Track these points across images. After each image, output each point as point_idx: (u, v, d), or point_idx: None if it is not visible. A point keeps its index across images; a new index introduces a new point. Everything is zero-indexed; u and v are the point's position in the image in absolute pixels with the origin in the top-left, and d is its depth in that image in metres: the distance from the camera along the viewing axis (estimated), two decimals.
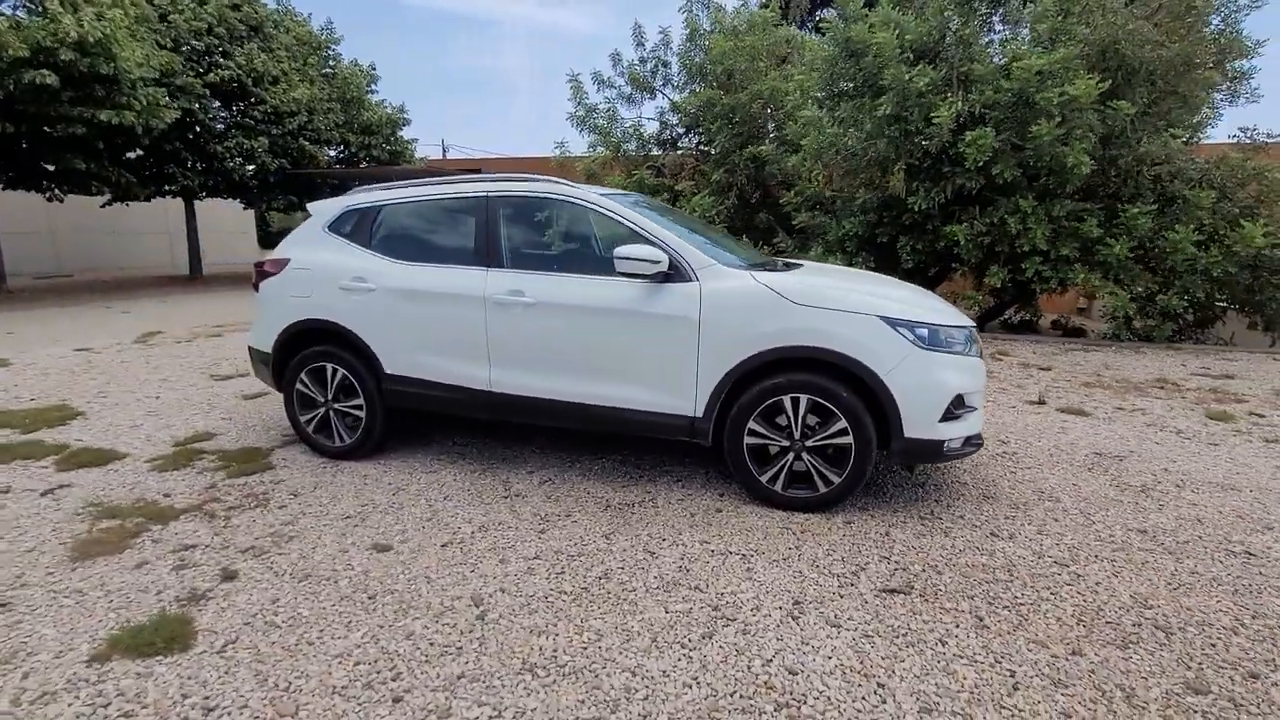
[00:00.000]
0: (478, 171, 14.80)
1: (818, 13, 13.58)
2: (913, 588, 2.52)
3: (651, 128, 13.29)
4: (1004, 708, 1.89)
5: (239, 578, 2.61)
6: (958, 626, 2.27)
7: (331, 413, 3.84)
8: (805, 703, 1.90)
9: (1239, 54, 8.25)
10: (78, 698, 1.93)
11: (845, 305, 3.00)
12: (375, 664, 2.09)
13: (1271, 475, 3.71)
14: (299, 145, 14.52)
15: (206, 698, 1.94)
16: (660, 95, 13.47)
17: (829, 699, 1.92)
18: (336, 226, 3.86)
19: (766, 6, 11.53)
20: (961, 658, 2.11)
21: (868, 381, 2.93)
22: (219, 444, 4.19)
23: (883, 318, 2.96)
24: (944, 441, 2.98)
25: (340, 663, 2.10)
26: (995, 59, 8.22)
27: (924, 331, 2.97)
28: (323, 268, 3.74)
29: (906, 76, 7.87)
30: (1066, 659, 2.10)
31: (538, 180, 3.56)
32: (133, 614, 2.36)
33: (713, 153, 11.63)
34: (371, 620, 2.32)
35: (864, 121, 8.56)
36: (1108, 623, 2.30)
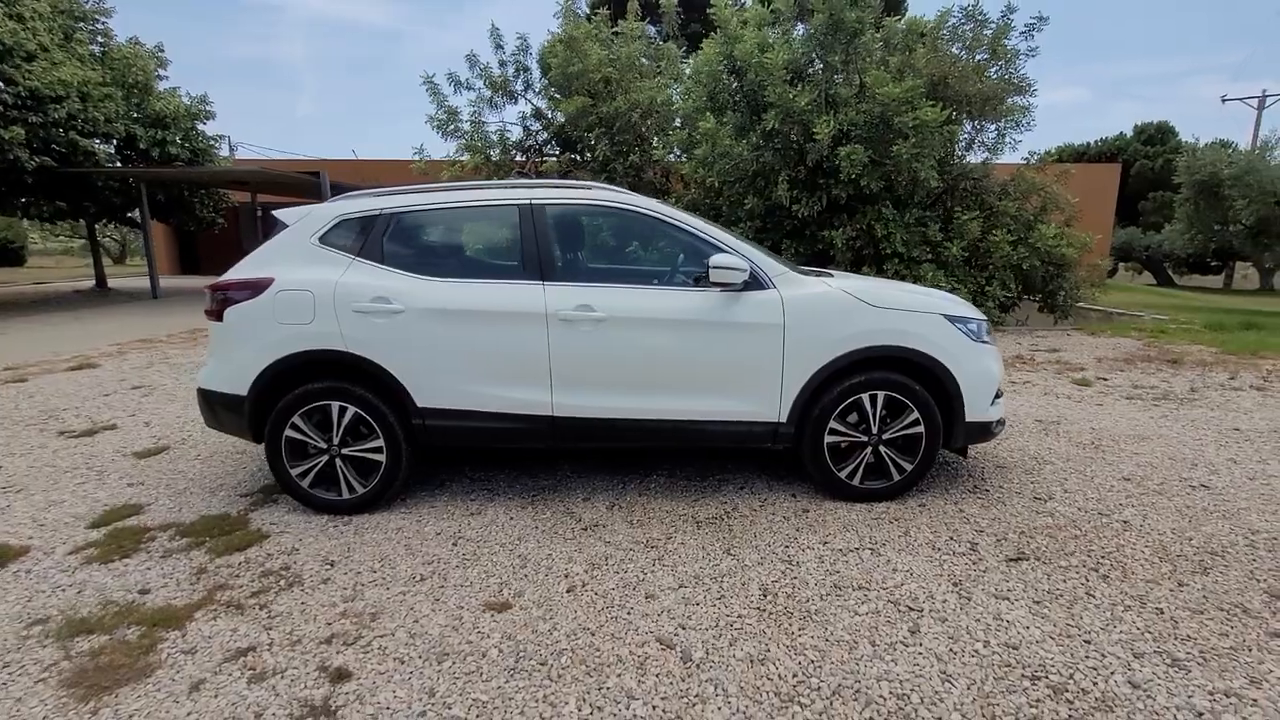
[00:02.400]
0: (316, 175, 13.13)
1: (690, 26, 14.19)
2: (1025, 555, 2.83)
3: (516, 133, 12.94)
4: (1184, 638, 2.22)
5: (354, 677, 2.11)
6: (1088, 581, 2.60)
7: (339, 460, 3.22)
8: (1050, 672, 2.06)
9: (1020, 92, 10.29)
10: None
11: (914, 306, 3.26)
12: (635, 717, 1.84)
13: (1158, 424, 4.75)
14: (69, 139, 11.69)
15: None
16: (522, 100, 13.15)
17: (1064, 664, 2.10)
18: (333, 239, 3.24)
19: (634, 16, 11.79)
20: (1118, 605, 2.43)
21: (938, 374, 3.21)
22: (160, 517, 3.29)
23: (944, 315, 3.26)
24: (993, 422, 3.37)
25: None
26: (855, 84, 9.33)
27: (974, 326, 3.33)
28: (327, 289, 3.11)
29: (790, 95, 8.61)
30: (1181, 590, 2.53)
31: (593, 188, 3.33)
32: None
33: (590, 161, 11.63)
34: (572, 690, 2.03)
35: (751, 134, 9.21)
36: (1177, 555, 2.80)
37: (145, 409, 5.30)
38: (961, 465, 3.90)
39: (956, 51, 9.58)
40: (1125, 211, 27.82)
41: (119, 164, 13.50)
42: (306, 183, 13.57)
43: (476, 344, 3.14)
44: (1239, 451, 4.13)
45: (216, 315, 3.22)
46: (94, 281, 16.33)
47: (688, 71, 10.81)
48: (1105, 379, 6.29)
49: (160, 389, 5.97)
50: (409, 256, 3.24)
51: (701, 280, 3.15)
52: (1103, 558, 2.78)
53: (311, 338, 3.11)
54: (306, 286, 3.13)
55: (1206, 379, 6.29)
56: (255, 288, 3.16)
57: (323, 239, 3.24)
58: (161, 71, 14.41)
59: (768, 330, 3.14)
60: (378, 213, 3.26)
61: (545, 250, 3.20)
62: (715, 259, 3.04)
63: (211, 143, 15.05)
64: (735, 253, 3.17)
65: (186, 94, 14.47)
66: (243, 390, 3.18)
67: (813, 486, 3.52)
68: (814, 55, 9.38)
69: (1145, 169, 28.93)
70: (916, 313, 3.23)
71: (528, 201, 3.25)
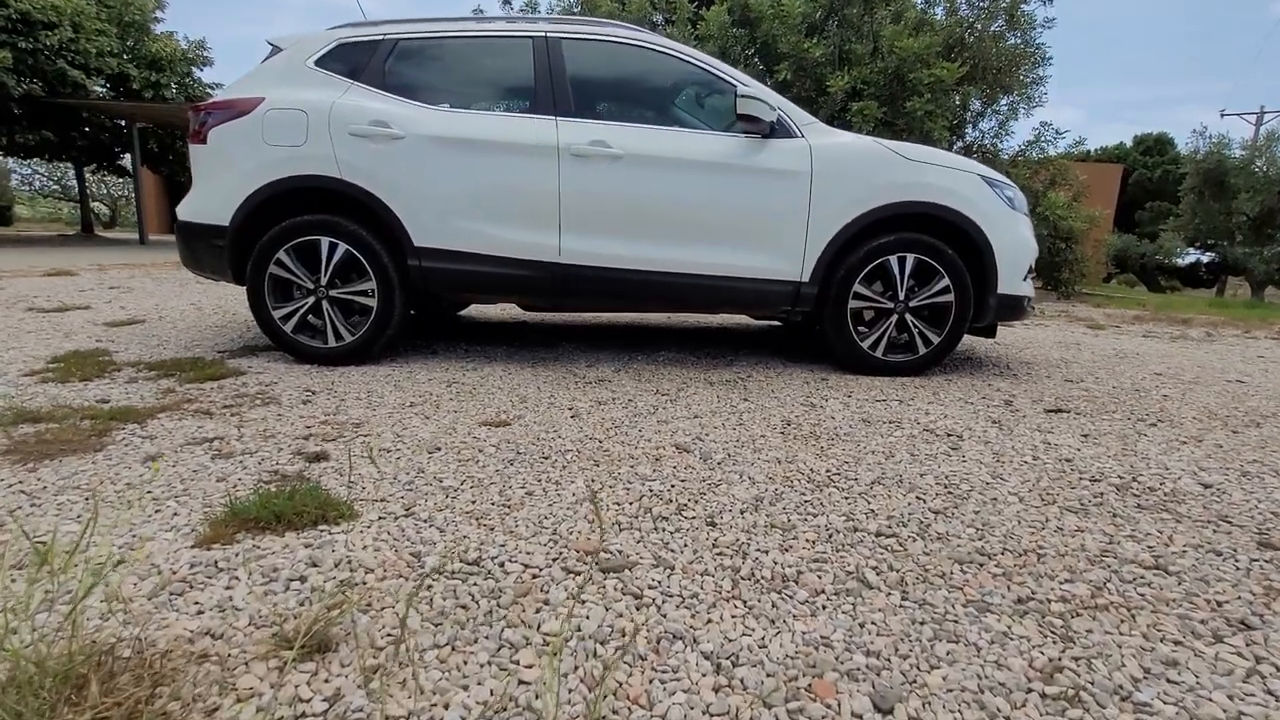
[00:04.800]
0: None
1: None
2: (1064, 409, 2.63)
3: None
4: (1251, 461, 2.03)
5: (332, 458, 1.87)
6: (1135, 427, 2.40)
7: (326, 303, 2.98)
8: (1110, 477, 1.86)
9: (1036, 63, 10.17)
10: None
11: (953, 163, 3.06)
12: (640, 500, 1.61)
13: (1179, 349, 4.58)
14: (58, 68, 11.34)
15: (476, 555, 1.33)
16: None
17: (1125, 472, 1.90)
18: (330, 63, 3.00)
19: None
20: (1175, 440, 2.23)
21: (973, 237, 3.01)
22: (128, 357, 3.03)
23: (982, 176, 3.07)
24: (1025, 299, 3.18)
25: (580, 508, 1.59)
26: (870, 42, 9.17)
27: (1011, 193, 3.14)
28: (323, 109, 2.87)
29: (805, 46, 8.44)
30: (1236, 436, 2.33)
31: (614, 25, 3.11)
32: (210, 500, 1.57)
33: None
34: (579, 476, 1.80)
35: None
36: (1226, 417, 2.61)
37: (122, 300, 5.02)
38: (986, 355, 3.70)
39: (971, 16, 9.46)
40: (1122, 220, 27.93)
41: (115, 99, 13.14)
42: None
43: (481, 178, 2.90)
44: (1269, 367, 3.97)
45: (199, 138, 2.97)
46: (80, 227, 15.92)
47: (699, 29, 10.61)
48: (1117, 327, 6.14)
49: (140, 289, 5.69)
50: (413, 84, 3.01)
51: (728, 122, 2.94)
52: (1148, 414, 2.59)
53: (303, 161, 2.87)
54: (300, 106, 2.88)
55: (1220, 332, 6.15)
56: (243, 108, 2.91)
57: (319, 62, 3.00)
58: (159, 14, 14.07)
59: (794, 179, 2.93)
60: (381, 37, 3.03)
61: (559, 83, 2.97)
62: (743, 89, 2.83)
63: (208, 90, 14.69)
64: (764, 93, 2.96)
65: (184, 38, 14.13)
66: (224, 220, 2.93)
67: (831, 365, 3.31)
68: (830, 8, 9.21)
69: (1144, 178, 29.07)
70: (953, 169, 3.03)
71: (543, 34, 3.03)
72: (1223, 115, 29.31)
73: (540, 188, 2.90)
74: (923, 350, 3.12)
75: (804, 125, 3.01)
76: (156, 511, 1.50)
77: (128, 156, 14.40)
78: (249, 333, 3.78)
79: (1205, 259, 24.03)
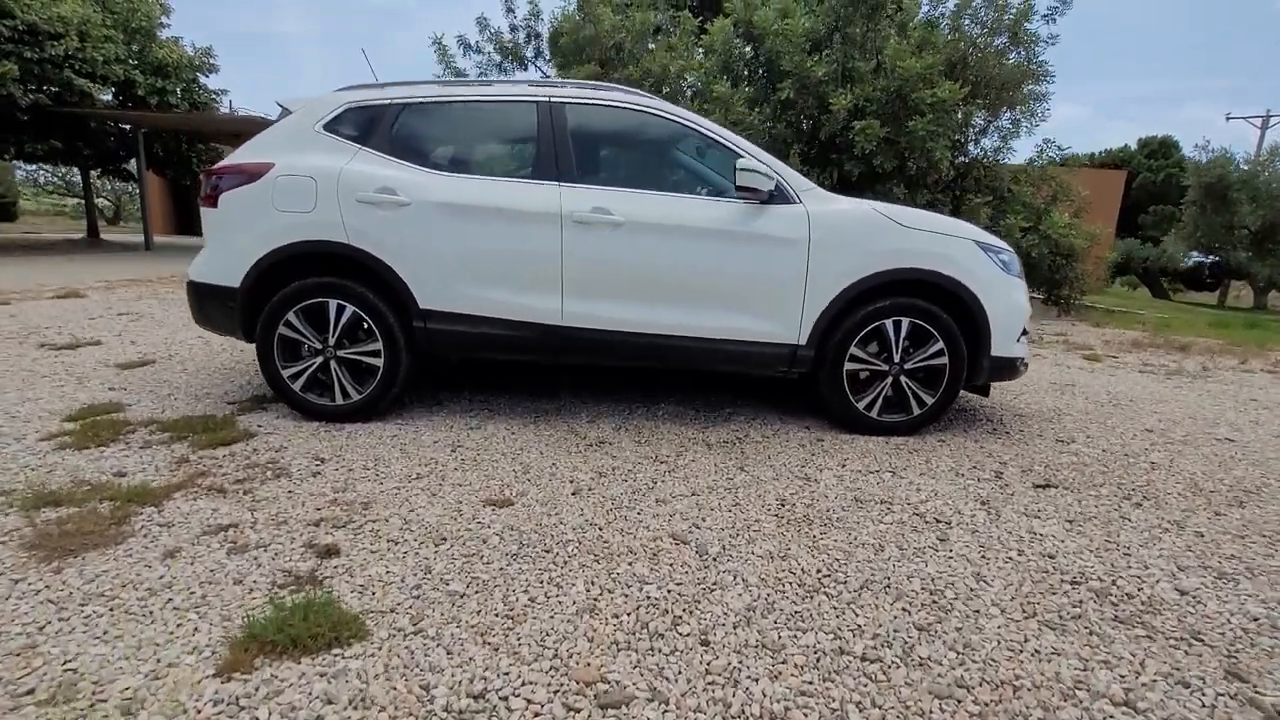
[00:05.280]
0: None
1: (708, 17, 13.97)
2: (1053, 484, 2.69)
3: None
4: (1229, 557, 2.10)
5: (343, 554, 1.95)
6: (1120, 508, 2.47)
7: (334, 363, 3.05)
8: (1091, 579, 1.93)
9: (1038, 79, 10.17)
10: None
11: (947, 229, 3.12)
12: (637, 610, 1.69)
13: (1174, 391, 4.63)
14: (64, 78, 11.39)
15: (482, 687, 1.41)
16: (532, 67, 12.95)
17: (1104, 572, 1.97)
18: (338, 127, 3.06)
19: None
20: (1157, 527, 2.30)
21: (967, 302, 3.07)
22: (141, 415, 3.11)
23: (977, 242, 3.12)
24: (1018, 360, 3.24)
25: (580, 620, 1.66)
26: (872, 60, 9.18)
27: (1005, 257, 3.20)
28: (331, 176, 2.94)
29: (808, 64, 8.46)
30: (1219, 519, 2.40)
31: (616, 90, 3.16)
32: (229, 611, 1.64)
33: None
34: (580, 574, 1.88)
35: (764, 105, 9.05)
36: (1211, 492, 2.67)
37: (131, 331, 5.10)
38: (979, 410, 3.77)
39: (974, 32, 9.45)
40: (1126, 224, 27.86)
41: (121, 108, 13.18)
42: None
43: (486, 243, 2.97)
44: (1259, 415, 4.03)
45: (211, 201, 3.04)
46: (86, 231, 16.00)
47: (701, 41, 10.62)
48: (1115, 357, 6.19)
49: (148, 316, 5.77)
50: (418, 149, 3.07)
51: (726, 189, 3.00)
52: (1135, 490, 2.66)
53: (311, 227, 2.94)
54: (309, 172, 2.95)
55: (1216, 362, 6.20)
56: (253, 173, 2.98)
57: (327, 126, 3.06)
58: (165, 20, 14.09)
59: (792, 245, 2.99)
60: (388, 102, 3.09)
61: (562, 149, 3.03)
62: (742, 161, 2.89)
63: (213, 96, 14.74)
64: (762, 163, 3.02)
65: (191, 44, 14.16)
66: (235, 282, 3.01)
67: (826, 420, 3.38)
68: (834, 25, 9.22)
69: (1148, 182, 28.96)
70: (948, 236, 3.09)
71: (546, 99, 3.08)
72: (1228, 119, 29.20)
73: (543, 253, 2.97)
74: (917, 410, 3.19)
75: (802, 191, 3.07)
76: (178, 626, 1.58)
77: (133, 161, 14.46)
78: (257, 378, 3.86)
79: (1208, 261, 24.00)
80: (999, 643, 1.60)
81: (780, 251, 3.00)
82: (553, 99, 3.08)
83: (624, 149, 3.28)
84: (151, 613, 1.63)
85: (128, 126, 13.46)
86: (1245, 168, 15.05)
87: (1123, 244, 26.82)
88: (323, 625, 1.54)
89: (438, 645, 1.54)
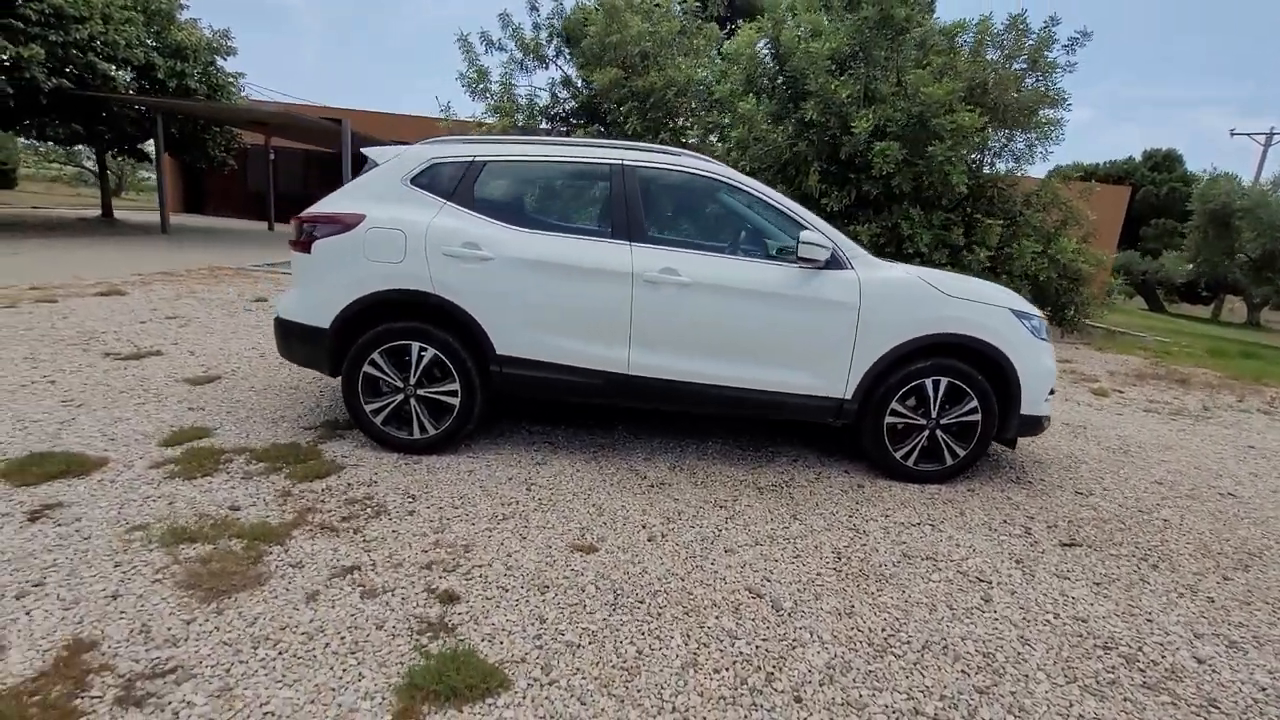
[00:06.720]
0: (338, 123, 12.94)
1: (734, 22, 14.04)
2: (1077, 541, 2.97)
3: (544, 99, 12.84)
4: (1237, 625, 2.38)
5: (462, 600, 2.20)
6: (1139, 569, 2.76)
7: (414, 400, 3.28)
8: (1120, 643, 2.21)
9: (1054, 104, 10.39)
10: None
11: (985, 298, 3.37)
12: (734, 666, 1.95)
13: (1178, 435, 4.94)
14: (88, 61, 11.40)
15: None
16: (554, 66, 13.04)
17: (1132, 638, 2.24)
18: (424, 182, 3.27)
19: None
20: (1173, 591, 2.59)
21: (1001, 365, 3.33)
22: (230, 440, 3.33)
23: (1012, 310, 3.38)
24: (1043, 417, 3.51)
25: (688, 674, 1.92)
26: (894, 82, 9.37)
27: (1036, 322, 3.45)
28: (419, 231, 3.15)
29: (832, 86, 8.64)
30: (1227, 583, 2.69)
31: (684, 155, 3.38)
32: (382, 657, 1.89)
33: (619, 134, 11.58)
34: (675, 627, 2.13)
35: (787, 122, 9.23)
36: (1219, 553, 2.96)
37: (186, 339, 5.29)
38: (1003, 457, 4.05)
39: (994, 58, 9.64)
40: (1127, 235, 28.24)
41: (135, 92, 13.19)
42: (328, 129, 13.36)
43: (561, 297, 3.20)
44: (1258, 467, 4.33)
45: (304, 247, 3.24)
46: (100, 210, 16.01)
47: (724, 50, 10.75)
48: (1120, 391, 6.49)
49: (195, 321, 5.95)
50: (499, 205, 3.28)
51: (785, 252, 3.24)
52: (1151, 550, 2.94)
53: (400, 277, 3.16)
54: (399, 226, 3.16)
55: (1216, 400, 6.51)
56: (347, 223, 3.19)
57: (414, 180, 3.27)
58: (183, 1, 14.04)
59: (843, 309, 3.24)
60: (471, 159, 3.29)
61: (633, 211, 3.26)
62: (805, 235, 3.12)
63: (230, 79, 14.73)
64: (820, 231, 3.25)
65: (209, 27, 14.13)
66: (324, 324, 3.22)
67: (863, 464, 3.64)
68: (859, 48, 9.39)
69: (1150, 194, 29.31)
70: (987, 305, 3.34)
71: (620, 162, 3.30)
72: (1232, 135, 29.53)
73: (614, 309, 3.20)
74: (950, 461, 3.46)
75: (854, 258, 3.31)
76: (344, 671, 1.82)
77: (149, 142, 14.47)
78: (324, 400, 4.08)
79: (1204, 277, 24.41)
80: (1049, 706, 1.88)
81: (832, 314, 3.25)
82: (625, 162, 3.30)
83: (692, 211, 3.50)
84: (316, 657, 1.87)
85: (144, 109, 13.45)
86: (1248, 193, 15.37)
87: (1123, 255, 27.24)
88: (474, 675, 1.79)
89: (571, 696, 1.79)
